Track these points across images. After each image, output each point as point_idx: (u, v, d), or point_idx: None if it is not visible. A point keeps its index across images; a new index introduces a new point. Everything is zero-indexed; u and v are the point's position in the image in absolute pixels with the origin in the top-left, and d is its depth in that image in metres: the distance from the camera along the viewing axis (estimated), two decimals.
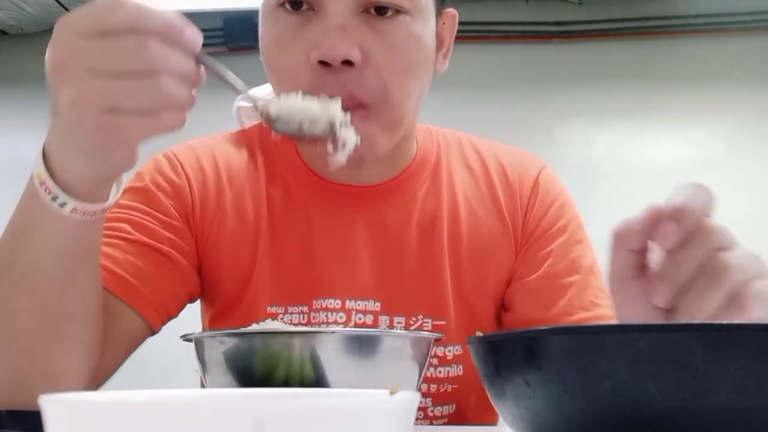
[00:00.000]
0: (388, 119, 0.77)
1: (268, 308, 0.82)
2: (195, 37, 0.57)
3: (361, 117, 0.73)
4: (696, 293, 0.53)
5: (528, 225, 0.88)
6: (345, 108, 0.69)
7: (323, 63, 0.72)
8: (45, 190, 0.60)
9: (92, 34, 0.53)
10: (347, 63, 0.72)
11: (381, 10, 0.74)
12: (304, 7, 0.74)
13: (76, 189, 0.60)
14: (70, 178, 0.60)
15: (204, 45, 0.58)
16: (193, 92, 0.58)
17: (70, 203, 0.60)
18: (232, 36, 3.12)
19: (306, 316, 0.83)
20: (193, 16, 0.57)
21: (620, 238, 0.58)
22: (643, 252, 0.58)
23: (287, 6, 0.75)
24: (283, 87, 0.75)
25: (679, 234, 0.53)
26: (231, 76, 0.62)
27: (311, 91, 0.71)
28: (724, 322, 0.51)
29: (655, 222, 0.55)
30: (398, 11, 0.74)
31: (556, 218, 0.89)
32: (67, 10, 2.98)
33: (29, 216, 0.63)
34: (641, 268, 0.58)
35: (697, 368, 0.37)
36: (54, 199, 0.60)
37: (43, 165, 0.60)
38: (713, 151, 3.08)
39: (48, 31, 0.56)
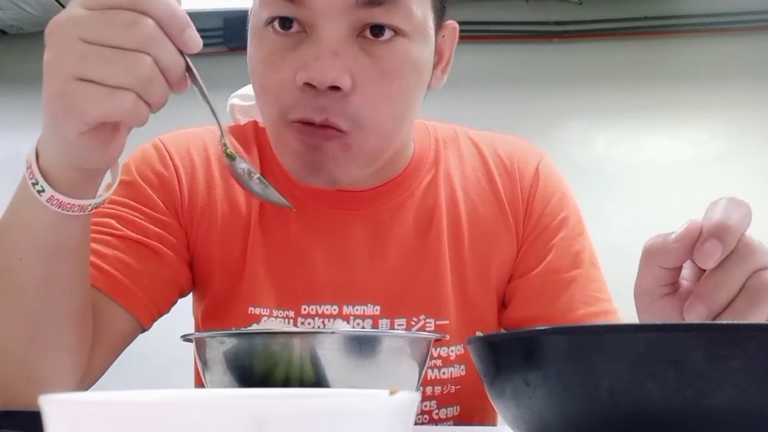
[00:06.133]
0: (371, 148, 0.74)
1: (251, 309, 0.81)
2: (194, 37, 0.55)
3: (341, 146, 0.71)
4: (735, 313, 0.51)
5: (529, 218, 0.87)
6: (319, 128, 0.69)
7: (309, 85, 0.69)
8: (29, 175, 0.59)
9: (95, 5, 0.53)
10: (334, 88, 0.69)
11: (377, 32, 0.70)
12: (295, 28, 0.70)
13: (54, 178, 0.59)
14: (49, 166, 0.59)
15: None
16: (167, 97, 0.56)
17: (47, 191, 0.59)
18: (232, 36, 3.12)
19: (291, 321, 0.81)
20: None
21: (654, 254, 0.55)
22: (676, 269, 0.56)
23: (276, 26, 0.70)
24: (267, 104, 0.73)
25: (722, 253, 0.51)
26: (211, 104, 0.61)
27: (292, 111, 0.70)
28: (724, 322, 0.51)
29: (694, 239, 0.53)
30: (396, 33, 0.70)
31: (557, 211, 0.87)
32: None
33: (15, 210, 0.62)
34: (672, 285, 0.57)
35: (697, 368, 0.37)
36: (34, 184, 0.59)
37: (34, 149, 0.60)
38: (713, 151, 3.08)
39: None
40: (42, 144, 0.59)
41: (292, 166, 0.75)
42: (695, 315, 0.52)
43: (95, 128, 0.56)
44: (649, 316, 0.58)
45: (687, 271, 0.57)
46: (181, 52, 0.56)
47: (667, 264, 0.55)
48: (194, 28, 0.56)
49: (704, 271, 0.54)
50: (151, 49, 0.53)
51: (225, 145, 0.65)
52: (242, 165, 0.65)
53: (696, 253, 0.52)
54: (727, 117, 3.09)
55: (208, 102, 0.60)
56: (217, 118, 0.63)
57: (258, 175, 0.65)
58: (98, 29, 0.52)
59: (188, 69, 0.58)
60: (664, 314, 0.56)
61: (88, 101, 0.53)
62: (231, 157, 0.65)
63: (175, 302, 0.83)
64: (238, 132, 0.89)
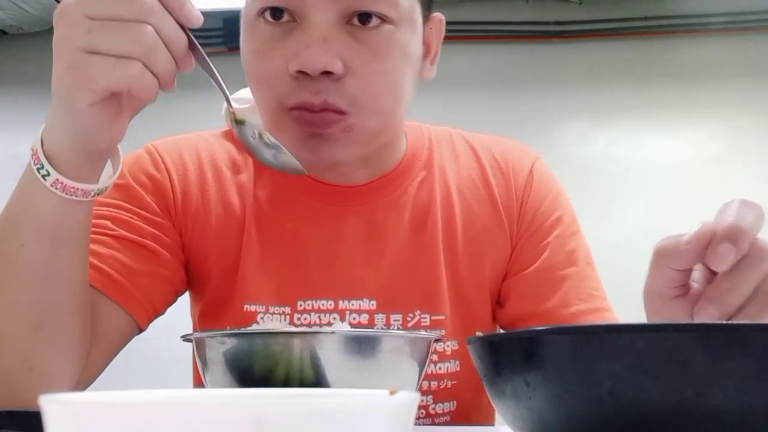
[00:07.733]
0: (371, 128, 0.76)
1: (246, 307, 0.81)
2: (193, 11, 0.59)
3: (342, 128, 0.73)
4: (748, 316, 0.51)
5: (523, 218, 0.88)
6: (318, 112, 0.71)
7: (302, 72, 0.71)
8: (35, 160, 0.61)
9: None
10: (327, 73, 0.71)
11: (365, 20, 0.72)
12: (285, 17, 0.72)
13: (59, 161, 0.61)
14: (54, 150, 0.61)
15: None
16: (173, 70, 0.59)
17: (52, 174, 0.61)
18: (232, 36, 3.12)
19: (288, 317, 0.81)
20: None
21: (665, 256, 0.55)
22: (687, 271, 0.56)
23: (267, 16, 0.73)
24: (262, 95, 0.75)
25: (736, 256, 0.51)
26: (218, 77, 0.63)
27: (288, 98, 0.72)
28: (724, 322, 0.51)
29: (707, 242, 0.52)
30: (383, 21, 0.72)
31: (551, 210, 0.88)
32: None
33: (17, 200, 0.64)
34: (683, 286, 0.56)
35: (697, 368, 0.37)
36: (39, 169, 0.61)
37: (39, 137, 0.61)
38: (713, 151, 3.08)
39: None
40: (47, 130, 0.62)
41: (292, 148, 0.76)
42: (707, 318, 0.52)
43: (102, 102, 0.58)
44: (660, 318, 0.57)
45: (697, 273, 0.57)
46: (185, 30, 0.59)
47: (679, 266, 0.55)
48: (194, 4, 0.59)
49: (715, 273, 0.54)
50: (150, 19, 0.56)
51: (233, 113, 0.66)
52: (253, 129, 0.66)
53: (709, 256, 0.52)
54: (727, 117, 3.09)
55: (213, 74, 0.62)
56: (224, 90, 0.64)
57: (268, 134, 0.67)
58: (102, 5, 0.56)
59: (193, 48, 0.60)
60: (675, 316, 0.56)
61: (97, 70, 0.56)
62: (240, 123, 0.66)
63: (171, 303, 0.83)
64: (230, 135, 0.90)
